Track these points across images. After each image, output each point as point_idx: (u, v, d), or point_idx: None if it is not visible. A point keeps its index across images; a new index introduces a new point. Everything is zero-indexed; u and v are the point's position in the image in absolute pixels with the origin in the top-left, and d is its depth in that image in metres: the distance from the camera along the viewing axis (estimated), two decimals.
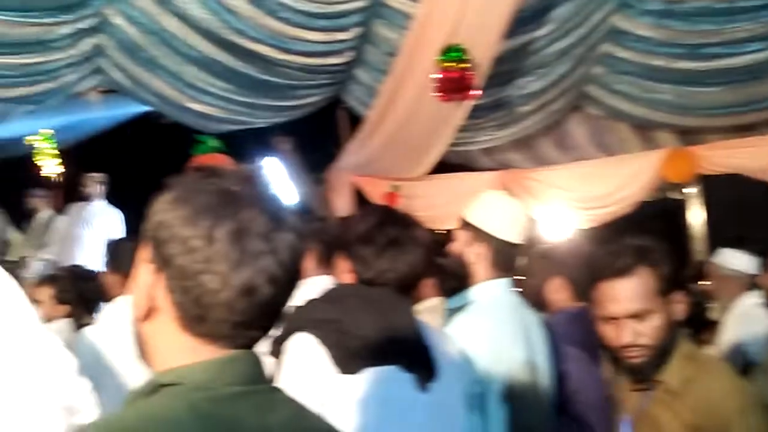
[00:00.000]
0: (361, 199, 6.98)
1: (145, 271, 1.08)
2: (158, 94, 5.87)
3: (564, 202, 6.71)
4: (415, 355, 1.98)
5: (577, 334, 2.50)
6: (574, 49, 5.88)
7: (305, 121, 6.75)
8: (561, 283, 2.83)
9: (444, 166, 6.68)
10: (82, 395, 2.05)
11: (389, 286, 2.02)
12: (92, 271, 5.12)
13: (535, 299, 2.79)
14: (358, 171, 6.94)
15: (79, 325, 4.25)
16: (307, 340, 1.90)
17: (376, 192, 6.77)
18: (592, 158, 6.97)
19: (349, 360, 1.87)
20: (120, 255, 3.31)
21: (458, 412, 2.09)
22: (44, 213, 7.90)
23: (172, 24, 5.17)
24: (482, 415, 2.26)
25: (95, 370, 3.13)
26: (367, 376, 1.88)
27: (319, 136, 7.18)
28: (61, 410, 1.96)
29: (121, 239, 3.84)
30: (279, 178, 7.31)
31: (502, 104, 6.25)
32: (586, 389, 2.45)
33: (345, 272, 2.11)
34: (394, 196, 6.52)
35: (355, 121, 6.64)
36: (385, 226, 2.06)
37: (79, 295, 4.28)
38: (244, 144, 6.86)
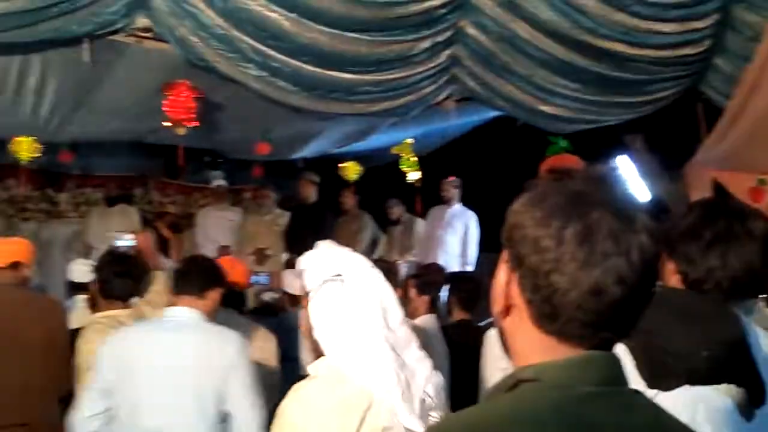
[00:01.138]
0: (723, 195, 6.51)
1: (502, 270, 1.14)
2: (510, 99, 6.01)
3: None
4: (740, 377, 1.73)
5: None
6: None
7: (659, 116, 6.48)
8: None
9: None
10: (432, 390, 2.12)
11: (720, 287, 1.81)
12: (470, 272, 5.40)
13: None
14: (719, 165, 6.48)
15: (449, 323, 4.56)
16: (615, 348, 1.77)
17: (740, 187, 6.25)
18: None
19: (658, 375, 1.70)
20: None
21: None
22: (404, 217, 8.50)
23: (522, 29, 5.26)
24: None
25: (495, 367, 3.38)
26: (680, 394, 1.68)
27: (674, 131, 6.84)
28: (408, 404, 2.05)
29: None
30: (631, 177, 7.10)
31: None
32: None
33: (671, 273, 1.92)
34: (760, 192, 5.99)
35: (715, 112, 6.22)
36: (712, 219, 1.85)
37: (454, 293, 4.59)
38: (595, 143, 6.77)
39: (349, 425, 1.95)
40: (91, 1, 4.46)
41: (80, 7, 4.46)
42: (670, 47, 5.48)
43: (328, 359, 2.08)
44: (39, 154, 7.23)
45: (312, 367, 2.11)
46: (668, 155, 6.98)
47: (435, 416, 2.07)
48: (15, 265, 3.97)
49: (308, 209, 7.99)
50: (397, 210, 8.51)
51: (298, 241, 7.40)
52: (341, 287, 2.10)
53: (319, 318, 2.11)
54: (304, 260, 2.22)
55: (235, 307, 4.03)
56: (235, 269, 4.09)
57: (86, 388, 3.18)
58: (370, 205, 8.74)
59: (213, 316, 3.28)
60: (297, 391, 2.06)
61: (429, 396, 2.08)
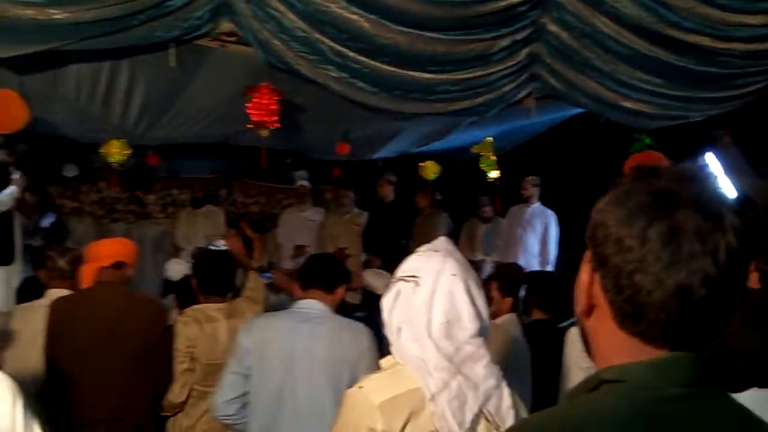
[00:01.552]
0: None
1: (585, 270, 1.13)
2: (591, 95, 5.91)
3: None
4: None
5: None
6: None
7: (747, 111, 6.28)
8: None
9: None
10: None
11: None
12: (548, 272, 5.29)
13: None
14: None
15: (528, 321, 4.52)
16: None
17: None
18: None
19: (726, 376, 1.66)
20: None
21: None
22: (485, 216, 8.45)
23: (604, 24, 5.18)
24: None
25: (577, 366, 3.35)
26: (749, 397, 1.62)
27: (763, 126, 6.63)
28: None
29: None
30: (719, 175, 6.91)
31: None
32: None
33: (749, 271, 1.80)
34: None
35: None
36: None
37: (531, 292, 4.56)
38: (680, 140, 6.61)
39: (394, 422, 1.97)
40: (178, 6, 4.60)
41: (167, 13, 4.61)
42: (758, 40, 5.30)
43: (394, 356, 2.12)
44: (129, 157, 7.45)
45: (383, 361, 2.16)
46: (757, 151, 6.77)
47: None
48: (119, 265, 4.06)
49: (386, 209, 8.04)
50: (488, 209, 8.47)
51: (377, 241, 7.46)
52: (411, 289, 2.10)
53: (384, 315, 2.14)
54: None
55: None
56: None
57: (227, 373, 3.39)
58: (449, 204, 8.73)
59: (337, 310, 3.50)
60: (361, 381, 2.11)
61: (488, 412, 2.04)
